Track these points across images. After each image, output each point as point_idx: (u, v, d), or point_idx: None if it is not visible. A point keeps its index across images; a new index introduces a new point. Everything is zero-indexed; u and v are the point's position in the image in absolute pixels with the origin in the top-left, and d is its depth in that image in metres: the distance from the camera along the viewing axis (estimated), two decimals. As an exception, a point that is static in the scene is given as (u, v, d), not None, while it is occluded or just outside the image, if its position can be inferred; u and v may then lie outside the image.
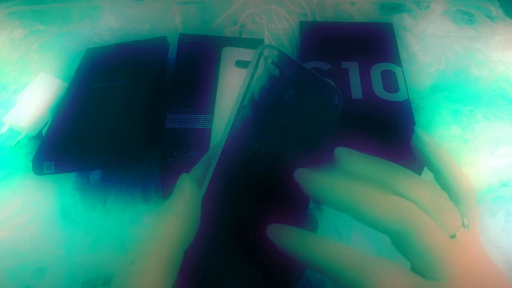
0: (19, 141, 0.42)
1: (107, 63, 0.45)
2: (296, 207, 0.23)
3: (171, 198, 0.21)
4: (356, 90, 0.43)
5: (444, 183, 0.24)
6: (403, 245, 0.20)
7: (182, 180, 0.21)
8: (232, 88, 0.38)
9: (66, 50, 0.50)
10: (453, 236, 0.21)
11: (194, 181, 0.21)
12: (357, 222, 0.21)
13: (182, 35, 0.45)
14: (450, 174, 0.23)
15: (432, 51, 0.51)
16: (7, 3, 0.55)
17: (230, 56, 0.40)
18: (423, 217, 0.20)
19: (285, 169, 0.23)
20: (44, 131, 0.43)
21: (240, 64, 0.39)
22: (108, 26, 0.53)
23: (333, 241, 0.20)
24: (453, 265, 0.20)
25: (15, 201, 0.38)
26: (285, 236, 0.21)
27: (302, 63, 0.24)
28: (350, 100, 0.42)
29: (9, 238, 0.36)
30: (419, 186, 0.21)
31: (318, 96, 0.25)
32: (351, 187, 0.21)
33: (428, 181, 0.22)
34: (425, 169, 0.33)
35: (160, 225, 0.20)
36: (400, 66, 0.45)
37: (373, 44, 0.47)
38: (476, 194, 0.23)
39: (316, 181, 0.22)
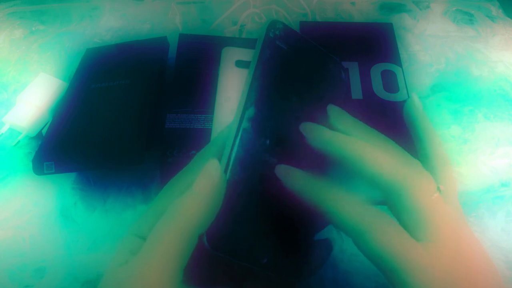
0: (19, 141, 0.42)
1: (107, 63, 0.45)
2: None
3: (195, 179, 0.20)
4: (356, 90, 0.43)
5: (422, 151, 0.25)
6: (395, 202, 0.21)
7: (211, 164, 0.20)
8: (232, 88, 0.38)
9: (66, 50, 0.50)
10: None
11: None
12: None
13: (182, 35, 0.45)
14: (429, 141, 0.25)
15: (432, 51, 0.51)
16: (7, 3, 0.55)
17: (230, 56, 0.40)
18: (416, 175, 0.21)
19: (297, 139, 0.23)
20: (44, 131, 0.43)
21: (240, 64, 0.39)
22: (108, 26, 0.53)
23: (336, 188, 0.21)
24: (439, 226, 0.21)
25: (15, 201, 0.38)
26: (291, 177, 0.22)
27: (307, 37, 0.25)
28: (350, 100, 0.42)
29: (9, 238, 0.36)
30: (394, 154, 0.23)
31: (325, 69, 0.26)
32: (351, 140, 0.22)
33: (403, 150, 0.23)
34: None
35: (180, 205, 0.19)
36: (400, 66, 0.45)
37: (373, 44, 0.47)
38: (450, 163, 0.24)
39: (319, 133, 0.23)
